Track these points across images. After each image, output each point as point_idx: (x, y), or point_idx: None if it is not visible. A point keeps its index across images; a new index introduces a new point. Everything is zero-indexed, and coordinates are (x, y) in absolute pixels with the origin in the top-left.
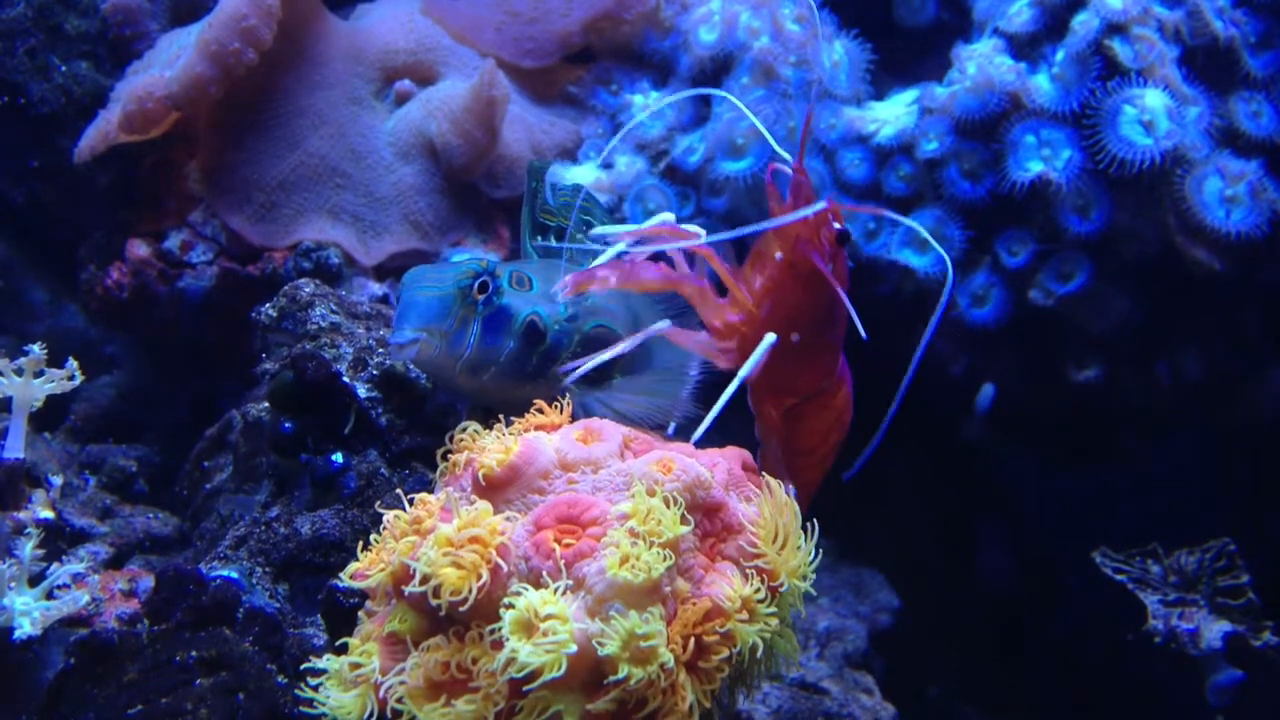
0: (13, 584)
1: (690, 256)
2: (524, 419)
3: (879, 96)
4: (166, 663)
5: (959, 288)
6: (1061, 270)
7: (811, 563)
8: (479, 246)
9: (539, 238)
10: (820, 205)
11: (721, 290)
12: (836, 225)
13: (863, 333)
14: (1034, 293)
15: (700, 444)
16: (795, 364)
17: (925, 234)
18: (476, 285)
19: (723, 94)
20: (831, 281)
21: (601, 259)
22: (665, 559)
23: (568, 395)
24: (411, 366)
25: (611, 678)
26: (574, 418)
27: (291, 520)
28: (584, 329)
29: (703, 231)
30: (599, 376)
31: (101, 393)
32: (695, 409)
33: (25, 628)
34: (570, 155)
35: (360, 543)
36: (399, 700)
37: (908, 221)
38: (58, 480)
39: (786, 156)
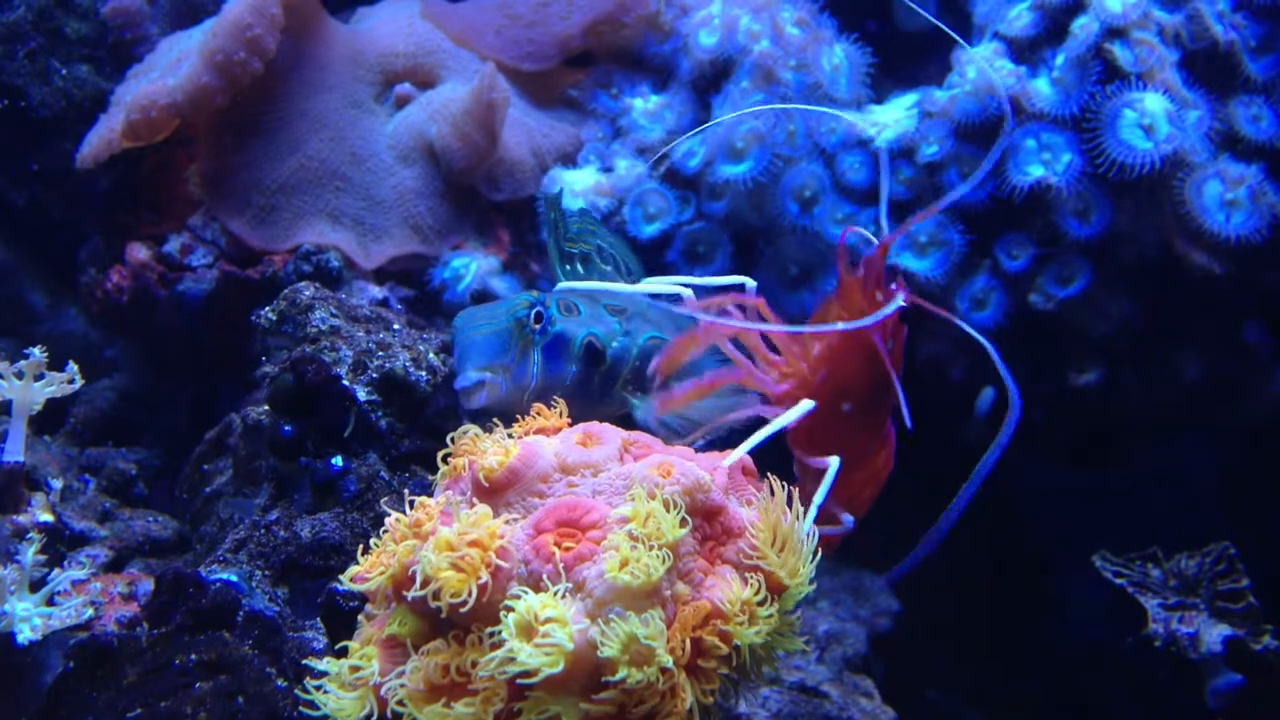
0: (13, 589)
1: (742, 308)
2: (523, 422)
3: (879, 100)
4: (166, 666)
5: (959, 291)
6: (1062, 274)
7: (811, 566)
8: (479, 250)
9: (568, 266)
10: (897, 304)
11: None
12: (902, 302)
13: (908, 422)
14: (1034, 296)
15: (701, 450)
16: (843, 431)
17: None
18: (532, 315)
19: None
20: (889, 366)
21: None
22: (665, 561)
23: (638, 411)
24: (411, 371)
25: (610, 679)
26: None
27: (291, 523)
28: (640, 343)
29: (751, 283)
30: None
31: (101, 396)
32: (758, 410)
33: (25, 634)
34: (570, 159)
35: (360, 546)
36: (399, 703)
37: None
38: (57, 483)
39: (870, 238)
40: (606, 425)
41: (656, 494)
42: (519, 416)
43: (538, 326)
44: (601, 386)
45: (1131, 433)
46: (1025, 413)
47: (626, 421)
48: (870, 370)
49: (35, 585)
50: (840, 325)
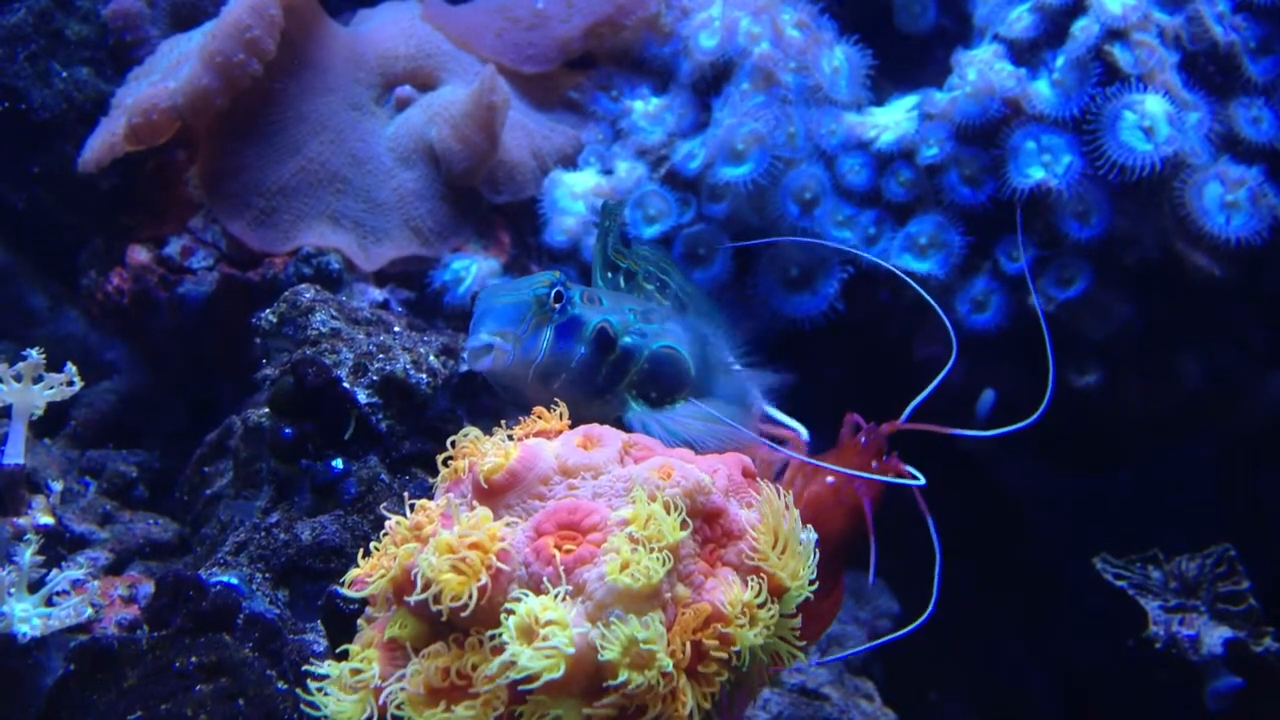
0: (12, 590)
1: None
2: (524, 424)
3: (879, 102)
4: (166, 669)
5: (960, 294)
6: (1062, 276)
7: (811, 568)
8: (480, 252)
9: (609, 274)
10: (917, 482)
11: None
12: (914, 480)
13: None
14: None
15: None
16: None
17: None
18: (552, 295)
19: None
20: (871, 529)
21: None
22: (665, 564)
23: (630, 414)
24: (411, 373)
25: (610, 682)
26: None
27: (292, 526)
28: (653, 346)
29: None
30: (661, 399)
31: (102, 398)
32: (756, 440)
33: (25, 632)
34: (570, 161)
35: (360, 548)
36: (399, 706)
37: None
38: (58, 486)
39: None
40: (607, 428)
41: (657, 496)
42: (525, 418)
43: (556, 306)
44: (607, 377)
45: (1132, 436)
46: (1026, 416)
47: (621, 424)
48: (849, 528)
49: (34, 586)
50: (863, 473)
